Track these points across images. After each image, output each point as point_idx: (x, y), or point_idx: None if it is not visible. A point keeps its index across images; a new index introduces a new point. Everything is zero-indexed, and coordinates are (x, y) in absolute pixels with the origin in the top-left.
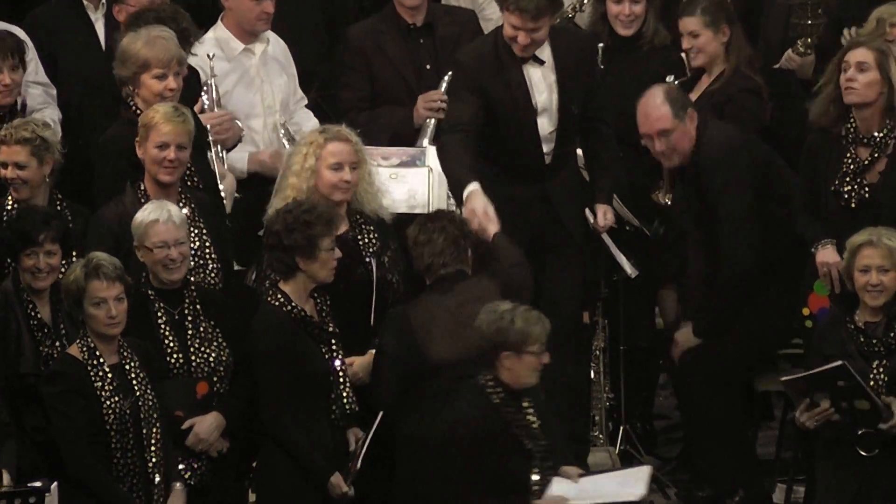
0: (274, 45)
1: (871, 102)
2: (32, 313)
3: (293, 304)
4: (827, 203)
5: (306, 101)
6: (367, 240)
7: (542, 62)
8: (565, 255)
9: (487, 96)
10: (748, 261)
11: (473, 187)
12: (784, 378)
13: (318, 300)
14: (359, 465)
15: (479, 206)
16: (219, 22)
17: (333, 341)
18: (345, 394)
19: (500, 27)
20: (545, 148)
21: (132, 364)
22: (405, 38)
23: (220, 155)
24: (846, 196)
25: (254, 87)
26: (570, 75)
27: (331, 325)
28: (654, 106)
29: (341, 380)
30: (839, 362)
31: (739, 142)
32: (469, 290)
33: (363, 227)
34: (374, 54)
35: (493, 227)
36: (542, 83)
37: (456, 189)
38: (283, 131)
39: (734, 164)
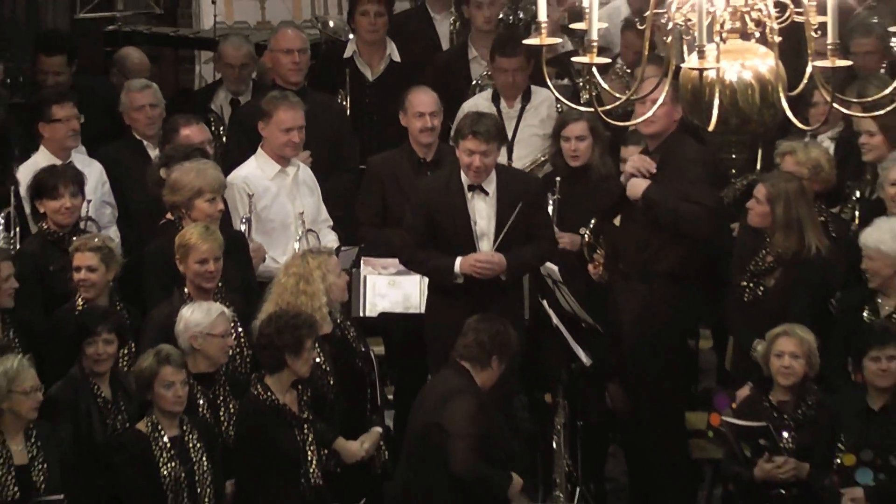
0: (304, 172)
1: (766, 228)
2: (98, 393)
3: (271, 394)
4: (732, 290)
5: (331, 223)
6: (352, 335)
7: (486, 193)
8: None
9: (434, 219)
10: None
11: (459, 259)
12: (724, 418)
13: (300, 391)
14: None
15: (469, 260)
16: (259, 149)
17: (306, 426)
18: (311, 470)
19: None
20: None
21: (191, 436)
22: (416, 170)
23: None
24: (745, 291)
25: (288, 201)
26: (510, 210)
27: (306, 412)
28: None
29: (309, 458)
30: (764, 424)
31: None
32: (439, 381)
33: (346, 325)
34: (389, 181)
35: (496, 259)
36: (484, 211)
37: (446, 274)
38: (312, 239)
39: (705, 169)
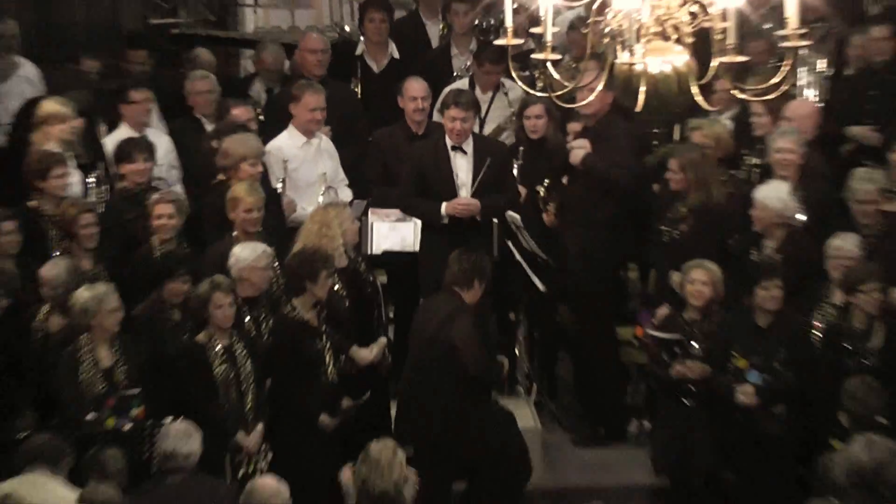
0: (325, 142)
1: (682, 189)
2: (170, 316)
3: (297, 312)
4: (654, 234)
5: (347, 182)
6: (362, 268)
7: (465, 152)
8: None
9: (425, 175)
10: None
11: (444, 204)
12: (647, 331)
13: (319, 310)
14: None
15: (452, 203)
16: (290, 124)
17: (325, 336)
18: (329, 370)
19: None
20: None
21: (238, 345)
22: (410, 141)
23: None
24: (664, 234)
25: (313, 164)
26: (483, 165)
27: (324, 326)
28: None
29: (326, 362)
30: (679, 336)
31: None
32: (437, 304)
33: (359, 261)
34: (389, 150)
35: (473, 202)
36: (463, 167)
37: (434, 215)
38: (332, 194)
39: (631, 140)
